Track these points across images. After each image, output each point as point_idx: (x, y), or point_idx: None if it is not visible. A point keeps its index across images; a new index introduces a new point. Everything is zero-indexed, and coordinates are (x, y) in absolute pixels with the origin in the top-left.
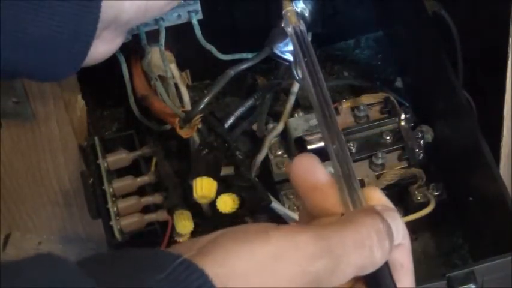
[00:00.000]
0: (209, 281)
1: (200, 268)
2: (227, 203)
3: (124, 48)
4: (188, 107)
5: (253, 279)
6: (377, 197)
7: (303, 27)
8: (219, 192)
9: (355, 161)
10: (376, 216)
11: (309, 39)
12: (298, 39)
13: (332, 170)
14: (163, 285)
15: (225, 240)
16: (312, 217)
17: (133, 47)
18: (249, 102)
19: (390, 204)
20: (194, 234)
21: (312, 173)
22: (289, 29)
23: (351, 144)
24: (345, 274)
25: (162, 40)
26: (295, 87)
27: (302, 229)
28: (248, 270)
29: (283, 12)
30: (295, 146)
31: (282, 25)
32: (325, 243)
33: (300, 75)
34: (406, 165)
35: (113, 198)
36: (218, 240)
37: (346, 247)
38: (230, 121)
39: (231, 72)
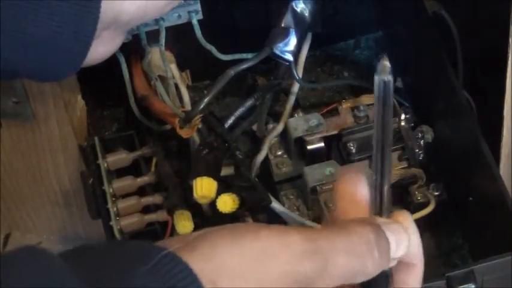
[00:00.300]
0: (193, 274)
1: (184, 261)
2: (227, 203)
3: (124, 48)
4: (188, 107)
5: (240, 274)
6: (401, 218)
7: (391, 79)
8: (219, 192)
9: (355, 161)
10: (369, 227)
11: (309, 39)
12: (384, 90)
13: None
14: (147, 277)
15: (213, 235)
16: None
17: (134, 47)
18: (249, 102)
19: (412, 227)
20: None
21: (356, 187)
22: (377, 78)
23: (351, 144)
24: (332, 277)
25: (162, 40)
26: (295, 88)
27: (293, 230)
28: (236, 265)
29: (379, 62)
30: (295, 146)
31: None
32: (314, 245)
33: (300, 75)
34: (406, 165)
35: (113, 199)
36: (206, 236)
37: (335, 250)
38: (230, 121)
39: (231, 72)
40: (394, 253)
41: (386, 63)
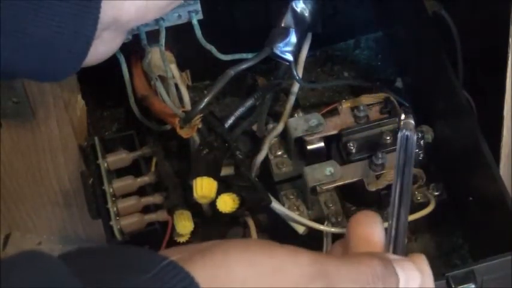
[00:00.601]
0: (195, 283)
1: (186, 270)
2: (227, 203)
3: (124, 48)
4: (188, 107)
5: (250, 286)
6: (417, 260)
7: (415, 136)
8: (219, 192)
9: (355, 161)
10: (378, 260)
11: (309, 39)
12: (407, 145)
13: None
14: (149, 286)
15: (226, 246)
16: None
17: (134, 47)
18: (249, 102)
19: (427, 270)
20: (194, 234)
21: (373, 228)
22: (401, 133)
23: (351, 145)
24: None
25: (162, 40)
26: (295, 88)
27: (304, 251)
28: (248, 277)
29: (402, 119)
30: (295, 146)
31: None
32: (323, 267)
33: (300, 75)
34: None
35: (113, 198)
36: (220, 245)
37: (341, 276)
38: (230, 121)
39: (231, 72)
40: None
41: (410, 121)
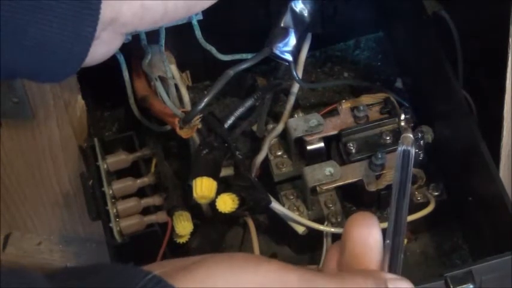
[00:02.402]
0: None
1: (170, 284)
2: (227, 203)
3: (124, 48)
4: (188, 107)
5: None
6: None
7: (413, 151)
8: (219, 192)
9: (355, 161)
10: (371, 280)
11: (309, 39)
12: (406, 159)
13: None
14: None
15: (211, 262)
16: (342, 266)
17: (134, 47)
18: (249, 103)
19: None
20: (194, 234)
21: (370, 229)
22: (401, 148)
23: (351, 145)
24: None
25: (162, 41)
26: (295, 88)
27: (292, 268)
28: None
29: (403, 134)
30: (295, 146)
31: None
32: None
33: (300, 76)
34: None
35: (113, 200)
36: (204, 261)
37: None
38: (230, 121)
39: (231, 72)
40: None
41: (409, 135)
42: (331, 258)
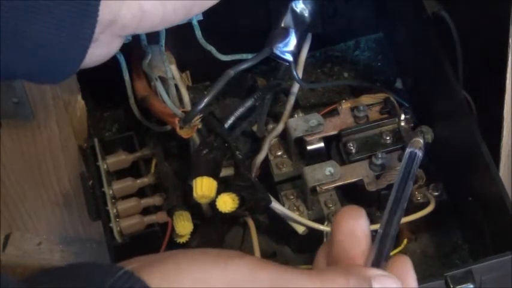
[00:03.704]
0: None
1: (143, 279)
2: (227, 203)
3: (124, 48)
4: (188, 107)
5: None
6: (401, 265)
7: (421, 155)
8: (219, 192)
9: (355, 161)
10: (353, 279)
11: (309, 40)
12: (410, 162)
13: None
14: None
15: (181, 257)
16: (331, 260)
17: (134, 47)
18: (249, 103)
19: (411, 274)
20: (194, 234)
21: (357, 220)
22: (409, 150)
23: (351, 145)
24: None
25: (162, 41)
26: (295, 88)
27: (266, 265)
28: None
29: (413, 138)
30: (295, 146)
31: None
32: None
33: (300, 76)
34: None
35: (113, 200)
36: (174, 256)
37: None
38: (230, 121)
39: (231, 72)
40: None
41: (420, 139)
42: (321, 255)
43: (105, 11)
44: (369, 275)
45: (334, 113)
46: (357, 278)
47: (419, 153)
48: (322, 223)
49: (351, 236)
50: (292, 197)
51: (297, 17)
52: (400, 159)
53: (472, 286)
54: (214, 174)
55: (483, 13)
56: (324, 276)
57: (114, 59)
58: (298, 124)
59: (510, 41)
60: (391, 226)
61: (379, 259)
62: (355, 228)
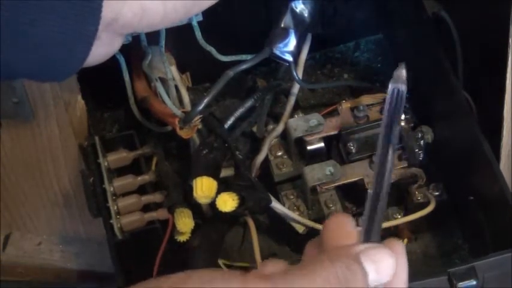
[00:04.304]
0: None
1: None
2: (227, 202)
3: (124, 49)
4: (188, 108)
5: None
6: (392, 245)
7: (405, 90)
8: (219, 192)
9: (355, 161)
10: (339, 263)
11: (309, 41)
12: (396, 98)
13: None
14: None
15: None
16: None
17: (134, 48)
18: (249, 103)
19: (402, 255)
20: (194, 234)
21: (347, 218)
22: (392, 87)
23: (351, 144)
24: None
25: (162, 42)
26: (295, 88)
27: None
28: None
29: (396, 71)
30: (295, 146)
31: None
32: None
33: (300, 77)
34: (406, 165)
35: (114, 197)
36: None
37: None
38: (230, 122)
39: (231, 72)
40: (374, 282)
41: (402, 72)
42: (310, 249)
43: (107, 9)
44: (355, 251)
45: (334, 113)
46: (345, 258)
47: (403, 88)
48: (322, 223)
49: (340, 230)
50: (292, 197)
51: (297, 17)
52: (400, 159)
53: (475, 282)
54: (214, 175)
55: (483, 13)
56: (310, 265)
57: (114, 60)
58: (298, 124)
59: (510, 41)
60: (383, 177)
61: (371, 227)
62: (345, 223)
